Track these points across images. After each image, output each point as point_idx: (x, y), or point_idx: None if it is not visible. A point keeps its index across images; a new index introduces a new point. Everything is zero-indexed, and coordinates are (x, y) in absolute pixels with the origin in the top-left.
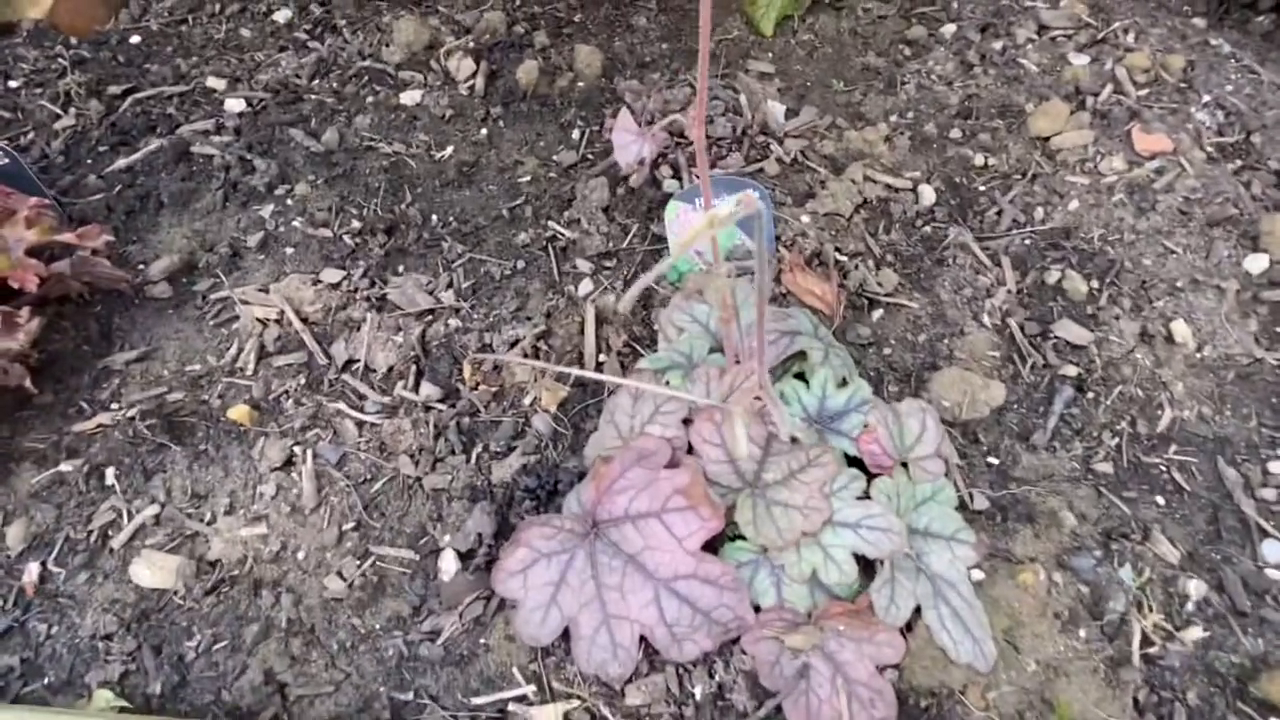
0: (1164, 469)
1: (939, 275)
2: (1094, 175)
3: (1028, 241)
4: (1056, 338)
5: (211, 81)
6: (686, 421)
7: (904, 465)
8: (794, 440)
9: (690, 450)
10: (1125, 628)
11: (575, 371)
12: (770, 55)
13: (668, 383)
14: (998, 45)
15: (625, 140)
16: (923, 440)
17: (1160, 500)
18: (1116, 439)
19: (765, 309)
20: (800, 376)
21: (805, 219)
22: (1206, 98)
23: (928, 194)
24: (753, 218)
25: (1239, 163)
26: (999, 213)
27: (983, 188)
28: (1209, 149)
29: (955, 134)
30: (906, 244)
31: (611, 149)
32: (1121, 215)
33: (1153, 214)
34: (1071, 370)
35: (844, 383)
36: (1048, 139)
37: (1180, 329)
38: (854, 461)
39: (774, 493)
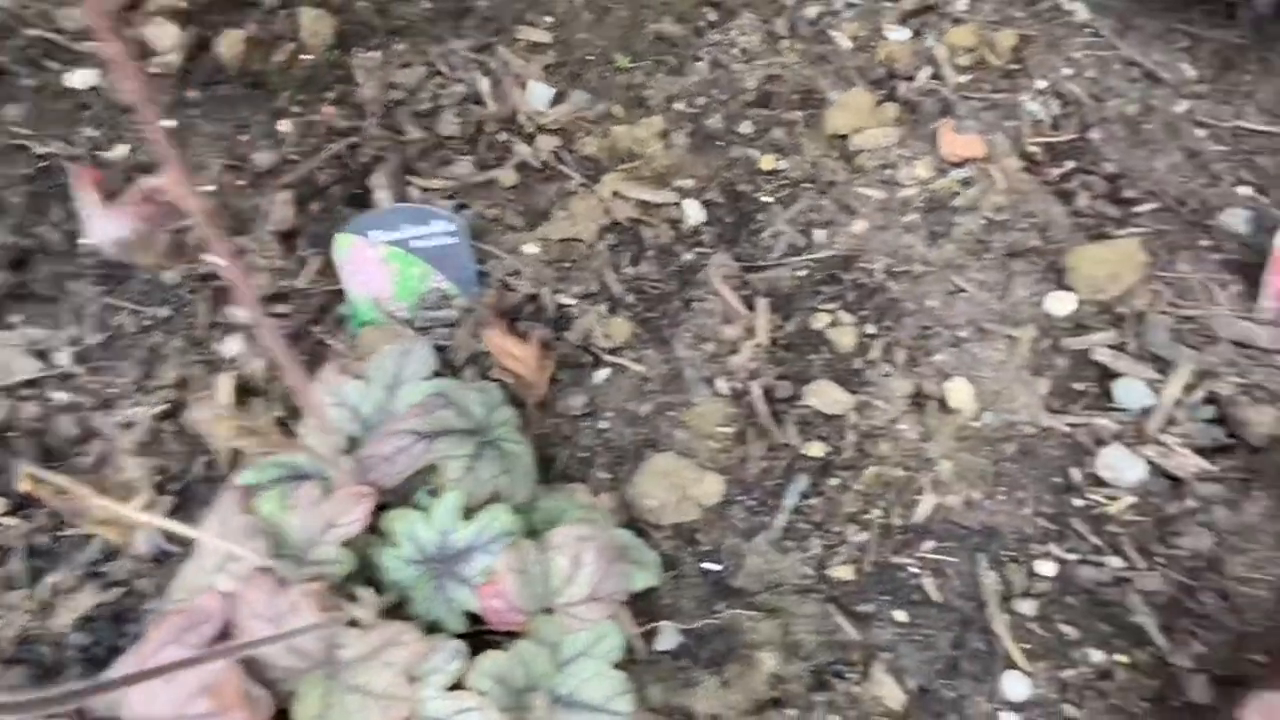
0: (915, 572)
1: (684, 322)
2: (891, 186)
3: (802, 273)
4: (805, 406)
5: None
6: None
7: (550, 613)
8: (353, 624)
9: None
10: None
11: (132, 516)
12: (552, 17)
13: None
14: (812, 11)
15: (91, 213)
16: (576, 581)
17: (902, 616)
18: (864, 534)
19: None
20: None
21: (532, 249)
22: (1041, 84)
23: (694, 211)
24: (446, 250)
25: (1070, 165)
26: (775, 235)
27: (768, 200)
28: (1033, 150)
29: (746, 129)
30: (658, 279)
31: (324, 144)
32: (911, 241)
33: (945, 241)
34: (817, 449)
35: (497, 501)
36: (846, 137)
37: (958, 390)
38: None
39: (352, 675)
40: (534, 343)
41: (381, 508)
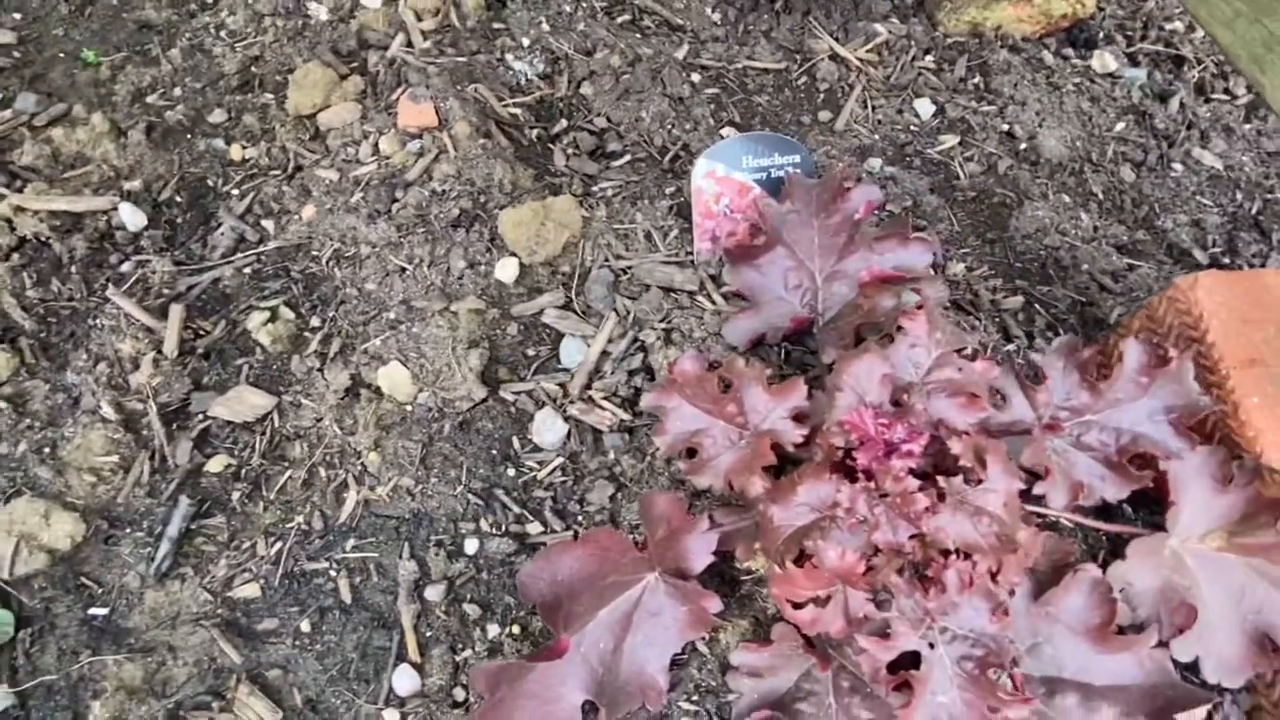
0: (332, 576)
1: (87, 343)
2: (351, 165)
3: (248, 270)
4: (210, 418)
5: None
6: None
7: None
8: None
9: None
10: None
11: None
12: (21, 14)
13: None
14: None
15: None
16: None
17: (306, 627)
18: (279, 545)
19: None
20: None
21: None
22: (526, 41)
23: (131, 216)
24: None
25: (564, 123)
26: (224, 231)
27: (235, 193)
28: (513, 112)
29: (217, 117)
30: (71, 299)
31: None
32: (355, 222)
33: (386, 219)
34: (219, 463)
35: None
36: (313, 116)
37: (391, 375)
38: None
39: None
40: None
41: None
